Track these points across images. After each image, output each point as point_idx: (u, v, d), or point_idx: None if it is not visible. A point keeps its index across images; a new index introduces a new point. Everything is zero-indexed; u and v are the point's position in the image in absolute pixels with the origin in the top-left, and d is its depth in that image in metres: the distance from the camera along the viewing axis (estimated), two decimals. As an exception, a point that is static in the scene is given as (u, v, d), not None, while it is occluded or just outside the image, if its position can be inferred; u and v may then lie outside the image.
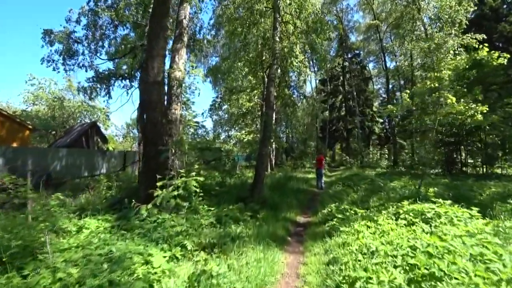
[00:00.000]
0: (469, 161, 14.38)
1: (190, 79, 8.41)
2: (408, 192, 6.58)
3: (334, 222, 5.13)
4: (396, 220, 4.48)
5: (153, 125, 6.12)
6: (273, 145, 20.11)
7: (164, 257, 3.37)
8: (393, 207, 5.00)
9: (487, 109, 5.68)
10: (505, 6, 21.22)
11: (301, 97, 13.24)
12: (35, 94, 28.29)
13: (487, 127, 13.19)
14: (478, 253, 2.87)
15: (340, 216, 5.34)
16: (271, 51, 8.47)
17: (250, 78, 12.32)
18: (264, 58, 9.32)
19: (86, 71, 11.65)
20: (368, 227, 4.33)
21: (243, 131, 15.06)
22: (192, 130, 8.46)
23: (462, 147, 14.09)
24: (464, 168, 14.12)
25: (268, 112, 7.57)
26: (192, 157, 8.25)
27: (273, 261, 3.75)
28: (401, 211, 4.65)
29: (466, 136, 13.95)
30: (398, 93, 37.52)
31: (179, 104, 7.77)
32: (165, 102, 8.08)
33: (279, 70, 8.61)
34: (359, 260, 3.15)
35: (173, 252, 3.54)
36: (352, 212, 5.26)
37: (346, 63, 34.64)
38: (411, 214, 4.49)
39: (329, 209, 6.22)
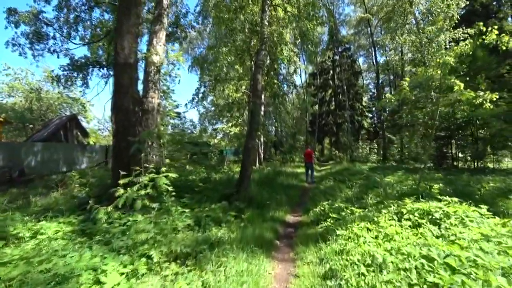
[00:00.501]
0: (459, 155, 14.16)
1: (170, 67, 7.63)
2: (407, 188, 6.09)
3: (328, 223, 4.55)
4: (399, 221, 3.94)
5: (124, 112, 5.36)
6: (262, 139, 19.49)
7: (122, 273, 2.69)
8: (393, 205, 4.45)
9: (497, 97, 5.22)
10: (495, 3, 21.15)
11: (291, 87, 12.51)
12: (10, 85, 26.58)
13: (477, 121, 13.00)
14: (510, 265, 2.34)
15: (334, 215, 4.76)
16: (259, 35, 7.77)
17: (237, 68, 11.58)
18: (252, 44, 8.60)
19: (58, 57, 10.64)
20: (369, 229, 3.76)
21: (229, 124, 14.33)
22: (172, 121, 7.65)
23: (453, 141, 13.85)
24: (455, 163, 13.90)
25: (255, 101, 6.91)
26: (174, 152, 7.53)
27: (259, 274, 3.13)
28: (404, 211, 4.10)
29: (457, 130, 13.70)
30: (387, 89, 37.60)
31: (156, 92, 7.00)
32: (142, 90, 7.32)
33: (267, 57, 7.93)
34: (363, 275, 2.57)
35: (135, 266, 2.86)
36: (349, 211, 4.69)
37: (337, 57, 34.21)
38: (415, 214, 3.95)
39: (322, 208, 5.65)
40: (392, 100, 6.02)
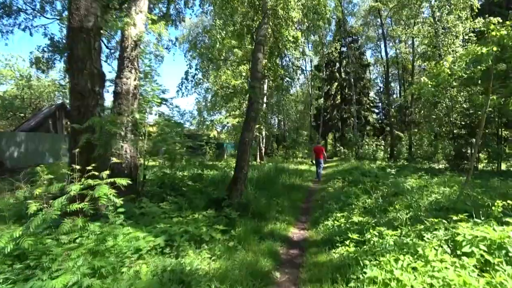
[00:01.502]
0: (479, 156, 12.79)
1: (153, 43, 6.33)
2: (443, 198, 4.81)
3: (348, 249, 3.30)
4: (457, 256, 2.68)
5: (79, 94, 4.10)
6: (263, 132, 18.21)
7: None
8: (440, 228, 3.18)
9: None
10: (518, -7, 19.49)
11: (297, 73, 11.12)
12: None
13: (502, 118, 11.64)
14: None
15: (355, 237, 3.50)
16: (262, 7, 6.44)
17: (236, 51, 10.24)
18: (253, 20, 7.26)
19: (31, 34, 9.34)
20: (414, 269, 2.51)
21: (227, 115, 13.06)
22: (156, 108, 6.39)
23: (473, 140, 12.47)
24: (474, 164, 12.55)
25: (254, 85, 5.61)
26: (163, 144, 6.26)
27: None
28: (460, 239, 2.83)
29: (478, 127, 12.29)
30: (393, 84, 36.02)
31: (133, 71, 5.71)
32: (117, 70, 6.04)
33: (270, 34, 6.61)
34: None
35: None
36: (375, 232, 3.42)
37: (344, 49, 32.62)
38: (480, 246, 2.69)
39: (336, 221, 4.41)
40: (429, 86, 4.69)
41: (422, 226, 3.38)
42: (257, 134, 14.70)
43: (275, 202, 6.13)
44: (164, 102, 6.59)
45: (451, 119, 13.69)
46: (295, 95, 41.29)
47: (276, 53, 7.31)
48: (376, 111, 38.17)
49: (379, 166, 12.90)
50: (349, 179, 9.23)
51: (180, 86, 11.03)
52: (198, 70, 10.83)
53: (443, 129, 15.00)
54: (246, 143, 5.43)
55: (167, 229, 3.74)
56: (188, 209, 4.94)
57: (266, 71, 7.16)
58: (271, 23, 6.25)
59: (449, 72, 4.46)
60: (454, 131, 13.23)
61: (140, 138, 6.08)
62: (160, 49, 6.62)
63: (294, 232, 4.68)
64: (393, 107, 28.35)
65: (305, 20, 8.03)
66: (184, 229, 3.76)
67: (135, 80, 5.76)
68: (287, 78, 8.53)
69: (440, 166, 13.40)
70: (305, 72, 35.74)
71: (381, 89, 38.57)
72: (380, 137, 29.28)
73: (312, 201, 7.19)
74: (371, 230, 3.48)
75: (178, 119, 20.81)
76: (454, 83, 7.46)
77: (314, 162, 11.48)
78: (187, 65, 9.84)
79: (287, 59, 8.46)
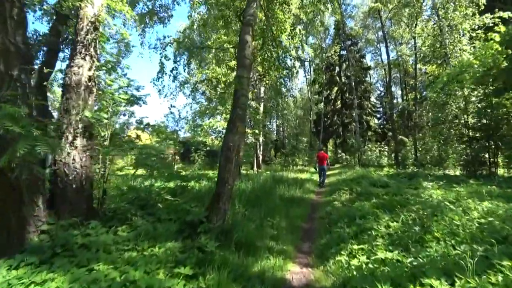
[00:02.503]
0: (498, 160, 11.52)
1: (118, 26, 5.15)
2: (496, 218, 3.53)
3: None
4: None
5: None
6: (261, 138, 16.98)
7: None
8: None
9: None
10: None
11: (296, 63, 9.88)
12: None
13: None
14: None
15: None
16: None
17: (221, 36, 8.93)
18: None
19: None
20: None
21: (217, 117, 11.83)
22: (126, 107, 5.16)
23: (491, 142, 11.23)
24: (492, 169, 11.28)
25: (241, 74, 4.38)
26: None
27: None
28: None
29: (497, 129, 11.09)
30: (394, 88, 34.96)
31: (88, 59, 4.48)
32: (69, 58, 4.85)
33: (260, 13, 5.45)
34: None
35: None
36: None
37: (343, 52, 31.70)
38: None
39: (353, 257, 3.14)
40: (476, 66, 3.47)
41: (499, 278, 2.10)
42: (253, 140, 13.45)
43: (269, 224, 4.85)
44: (136, 101, 5.37)
45: (464, 120, 12.50)
46: (294, 100, 40.33)
47: (270, 41, 6.13)
48: (378, 116, 37.11)
49: (387, 174, 11.65)
50: (357, 190, 7.95)
51: (156, 81, 9.74)
52: (178, 63, 9.54)
53: (454, 132, 13.81)
54: (230, 148, 4.17)
55: (100, 277, 2.47)
56: (152, 237, 3.67)
57: (258, 64, 5.98)
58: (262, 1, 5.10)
59: (499, 49, 3.25)
60: (470, 134, 11.99)
61: (102, 143, 4.85)
62: (124, 34, 5.40)
63: (294, 272, 3.37)
64: (395, 111, 27.22)
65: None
66: (126, 278, 2.48)
67: (90, 70, 4.52)
68: (282, 77, 7.33)
69: (455, 173, 12.14)
70: (305, 71, 34.73)
71: (382, 94, 37.56)
72: (383, 143, 28.04)
73: (316, 218, 5.90)
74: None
75: (173, 125, 19.55)
76: (505, 63, 6.33)
77: (317, 169, 11.63)
78: (160, 53, 8.35)
79: (283, 52, 7.23)
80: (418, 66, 24.21)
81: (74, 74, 4.35)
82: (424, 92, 26.78)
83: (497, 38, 4.37)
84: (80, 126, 4.24)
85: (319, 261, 3.56)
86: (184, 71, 11.70)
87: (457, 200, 5.16)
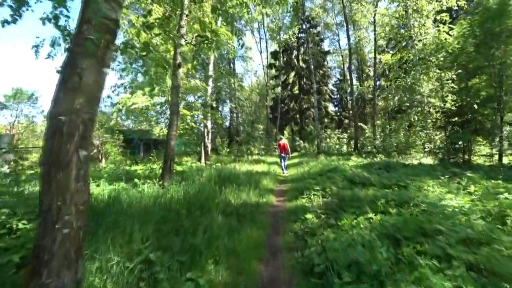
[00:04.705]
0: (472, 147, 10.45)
1: None
2: None
3: None
4: None
5: None
6: (209, 124, 14.18)
7: None
8: None
9: None
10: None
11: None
12: None
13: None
14: None
15: None
16: None
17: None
18: None
19: None
20: None
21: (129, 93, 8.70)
22: None
23: (466, 127, 10.04)
24: (466, 157, 10.16)
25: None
26: None
27: None
28: None
29: (473, 114, 9.95)
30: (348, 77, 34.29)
31: None
32: None
33: None
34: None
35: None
36: None
37: (302, 34, 29.81)
38: None
39: None
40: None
41: None
42: (196, 126, 10.64)
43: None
44: None
45: (439, 103, 11.25)
46: (250, 86, 37.80)
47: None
48: (334, 103, 36.47)
49: (359, 164, 9.84)
50: (333, 190, 5.80)
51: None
52: None
53: (424, 117, 12.66)
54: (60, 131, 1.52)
55: None
56: None
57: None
58: None
59: None
60: (445, 119, 10.73)
61: None
62: None
63: None
64: (354, 97, 26.29)
65: None
66: None
67: None
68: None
69: (427, 161, 10.84)
70: (261, 59, 32.24)
71: (337, 81, 36.92)
72: (339, 130, 27.15)
73: (281, 251, 3.50)
74: None
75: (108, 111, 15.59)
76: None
77: (279, 156, 12.46)
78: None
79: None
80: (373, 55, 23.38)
81: None
82: (378, 81, 26.41)
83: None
84: None
85: None
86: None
87: (473, 204, 3.19)
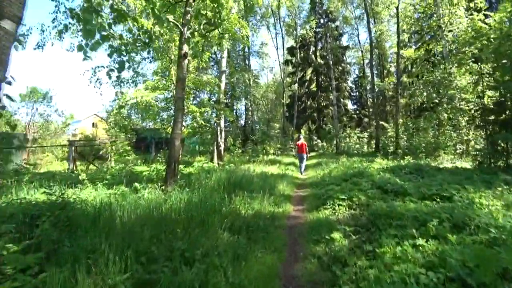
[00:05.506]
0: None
1: None
2: None
3: None
4: None
5: None
6: (222, 123, 13.51)
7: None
8: None
9: None
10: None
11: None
12: None
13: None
14: None
15: None
16: None
17: None
18: None
19: None
20: None
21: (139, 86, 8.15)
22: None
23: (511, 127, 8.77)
24: (510, 161, 8.90)
25: None
26: None
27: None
28: None
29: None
30: (368, 73, 32.62)
31: None
32: None
33: None
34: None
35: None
36: None
37: (319, 29, 28.60)
38: None
39: None
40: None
41: None
42: (206, 123, 9.98)
43: None
44: None
45: (479, 100, 9.97)
46: (266, 83, 37.00)
47: None
48: (354, 101, 34.96)
49: (385, 167, 8.82)
50: (360, 200, 4.94)
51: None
52: None
53: (456, 115, 11.41)
54: None
55: None
56: None
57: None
58: None
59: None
60: (483, 117, 9.48)
61: None
62: None
63: None
64: (375, 93, 24.75)
65: None
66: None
67: None
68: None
69: (463, 165, 9.65)
70: (277, 55, 31.28)
71: (356, 78, 35.32)
72: (358, 129, 25.74)
73: (302, 287, 2.72)
74: None
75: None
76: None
77: (297, 156, 12.29)
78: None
79: None
80: (395, 50, 21.82)
81: None
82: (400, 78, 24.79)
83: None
84: None
85: None
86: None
87: None
